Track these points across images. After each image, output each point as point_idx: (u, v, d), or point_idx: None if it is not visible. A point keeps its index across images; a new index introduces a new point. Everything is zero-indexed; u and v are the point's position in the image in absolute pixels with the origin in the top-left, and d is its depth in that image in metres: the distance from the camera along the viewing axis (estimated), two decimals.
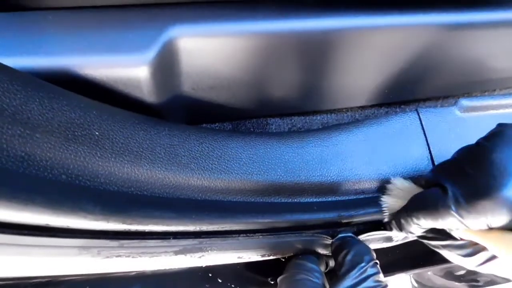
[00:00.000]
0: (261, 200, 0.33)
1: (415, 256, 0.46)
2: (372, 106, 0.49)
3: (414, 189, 0.33)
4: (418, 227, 0.30)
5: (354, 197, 0.36)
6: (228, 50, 0.33)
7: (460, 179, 0.27)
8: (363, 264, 0.30)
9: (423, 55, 0.39)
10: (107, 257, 0.25)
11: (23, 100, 0.22)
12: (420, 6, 0.35)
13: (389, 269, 0.45)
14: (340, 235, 0.34)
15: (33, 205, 0.19)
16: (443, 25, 0.36)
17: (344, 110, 0.48)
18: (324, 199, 0.35)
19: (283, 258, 0.35)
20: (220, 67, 0.34)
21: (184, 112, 0.40)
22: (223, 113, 0.43)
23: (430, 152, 0.37)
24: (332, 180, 0.35)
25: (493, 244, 0.25)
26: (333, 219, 0.34)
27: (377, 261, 0.31)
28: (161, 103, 0.34)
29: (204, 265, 0.32)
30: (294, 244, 0.34)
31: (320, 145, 0.36)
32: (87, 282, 0.29)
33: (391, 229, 0.34)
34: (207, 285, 0.36)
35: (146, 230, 0.25)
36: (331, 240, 0.34)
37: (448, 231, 0.29)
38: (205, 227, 0.29)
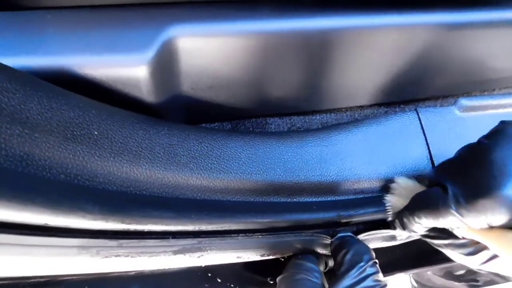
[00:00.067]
0: (260, 199, 0.33)
1: (415, 255, 0.46)
2: (371, 105, 0.49)
3: (418, 188, 0.33)
4: (420, 226, 0.30)
5: (354, 197, 0.36)
6: (227, 50, 0.33)
7: (460, 178, 0.27)
8: (362, 264, 0.30)
9: (422, 55, 0.39)
10: (106, 256, 0.25)
11: (22, 100, 0.22)
12: (420, 6, 0.35)
13: (388, 268, 0.45)
14: (339, 235, 0.34)
15: (32, 205, 0.19)
16: (442, 25, 0.36)
17: (343, 109, 0.48)
18: (323, 199, 0.35)
19: (282, 258, 0.35)
20: (219, 67, 0.34)
21: (183, 111, 0.40)
22: (222, 113, 0.43)
23: (429, 152, 0.37)
24: (331, 180, 0.35)
25: (493, 243, 0.25)
26: (333, 219, 0.34)
27: (377, 261, 0.31)
28: (160, 103, 0.34)
29: (203, 265, 0.32)
30: (293, 243, 0.34)
31: (320, 145, 0.36)
32: (85, 282, 0.29)
33: (394, 228, 0.34)
34: (206, 285, 0.36)
35: (145, 230, 0.25)
36: (330, 240, 0.34)
37: (450, 230, 0.29)
38: (204, 227, 0.29)
